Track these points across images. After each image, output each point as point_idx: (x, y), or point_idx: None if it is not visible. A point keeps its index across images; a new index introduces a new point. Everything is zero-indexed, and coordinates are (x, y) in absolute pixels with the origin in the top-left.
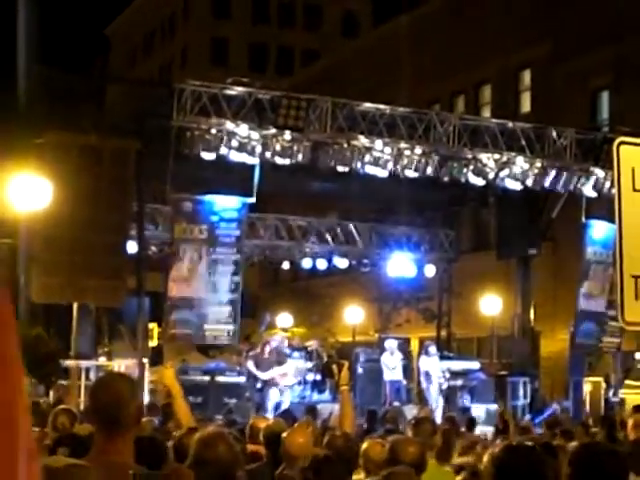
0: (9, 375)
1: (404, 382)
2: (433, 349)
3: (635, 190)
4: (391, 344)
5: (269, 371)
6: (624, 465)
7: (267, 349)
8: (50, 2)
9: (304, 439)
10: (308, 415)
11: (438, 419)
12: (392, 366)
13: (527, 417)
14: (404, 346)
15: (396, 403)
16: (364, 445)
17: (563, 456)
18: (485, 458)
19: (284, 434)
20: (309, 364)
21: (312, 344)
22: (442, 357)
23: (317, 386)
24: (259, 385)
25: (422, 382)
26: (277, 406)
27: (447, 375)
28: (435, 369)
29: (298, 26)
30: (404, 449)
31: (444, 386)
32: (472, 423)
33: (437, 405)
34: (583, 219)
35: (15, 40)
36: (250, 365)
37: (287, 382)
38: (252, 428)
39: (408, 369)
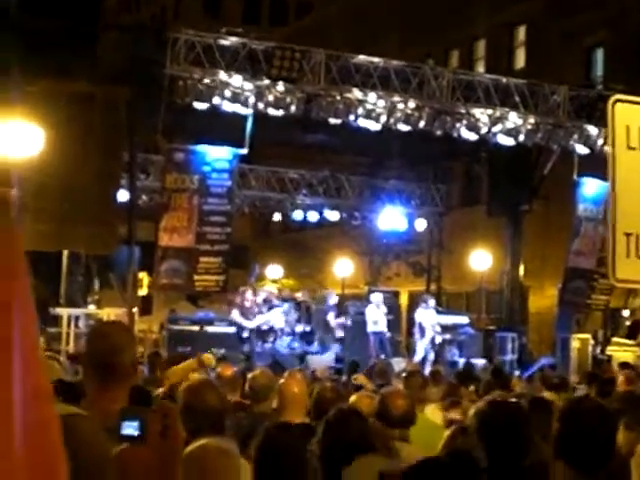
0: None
1: (388, 334)
2: (432, 302)
3: (630, 148)
4: (377, 297)
5: (255, 319)
6: (612, 420)
7: (248, 298)
8: None
9: (299, 388)
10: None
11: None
12: (375, 319)
13: (516, 373)
14: (392, 299)
15: (382, 356)
16: (353, 398)
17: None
18: (471, 412)
19: (280, 383)
20: (298, 315)
21: (301, 295)
22: None
23: (306, 337)
24: (246, 334)
25: (415, 333)
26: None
27: (438, 329)
28: (430, 322)
29: None
30: (393, 402)
31: (437, 340)
32: (467, 377)
33: (428, 358)
34: (575, 176)
35: None
36: (235, 314)
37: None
38: (219, 377)
39: (395, 322)
